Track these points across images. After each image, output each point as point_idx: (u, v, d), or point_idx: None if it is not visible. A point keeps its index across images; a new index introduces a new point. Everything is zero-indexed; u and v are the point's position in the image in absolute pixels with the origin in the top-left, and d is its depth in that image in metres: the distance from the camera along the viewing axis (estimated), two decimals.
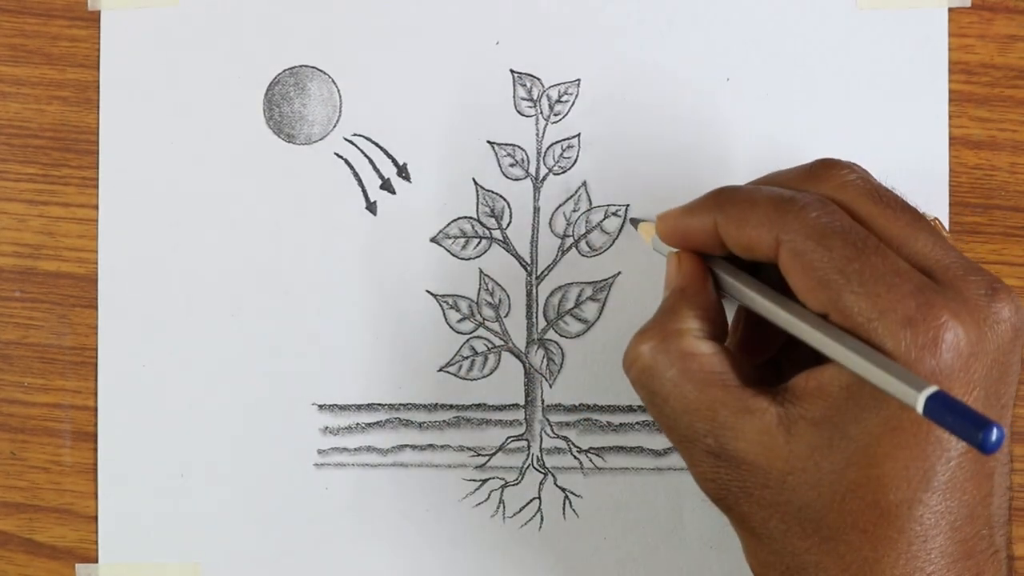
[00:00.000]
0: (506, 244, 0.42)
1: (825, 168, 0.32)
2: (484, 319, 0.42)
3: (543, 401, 0.42)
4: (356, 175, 0.42)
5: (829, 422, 0.29)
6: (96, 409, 0.43)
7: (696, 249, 0.34)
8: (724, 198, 0.32)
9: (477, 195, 0.42)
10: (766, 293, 0.31)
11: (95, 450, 0.43)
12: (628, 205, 0.42)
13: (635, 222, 0.41)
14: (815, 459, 0.29)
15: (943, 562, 0.29)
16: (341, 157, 0.43)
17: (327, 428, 0.42)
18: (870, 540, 0.29)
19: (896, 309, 0.28)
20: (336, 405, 0.42)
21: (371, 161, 0.42)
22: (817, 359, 0.30)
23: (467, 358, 0.42)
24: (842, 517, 0.29)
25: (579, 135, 0.42)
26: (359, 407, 0.42)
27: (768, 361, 0.35)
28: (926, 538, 0.29)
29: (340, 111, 0.43)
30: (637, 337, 0.32)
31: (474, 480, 0.42)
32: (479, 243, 0.42)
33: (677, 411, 0.31)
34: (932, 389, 0.26)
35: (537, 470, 0.42)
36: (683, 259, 0.34)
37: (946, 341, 0.28)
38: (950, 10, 0.41)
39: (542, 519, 0.42)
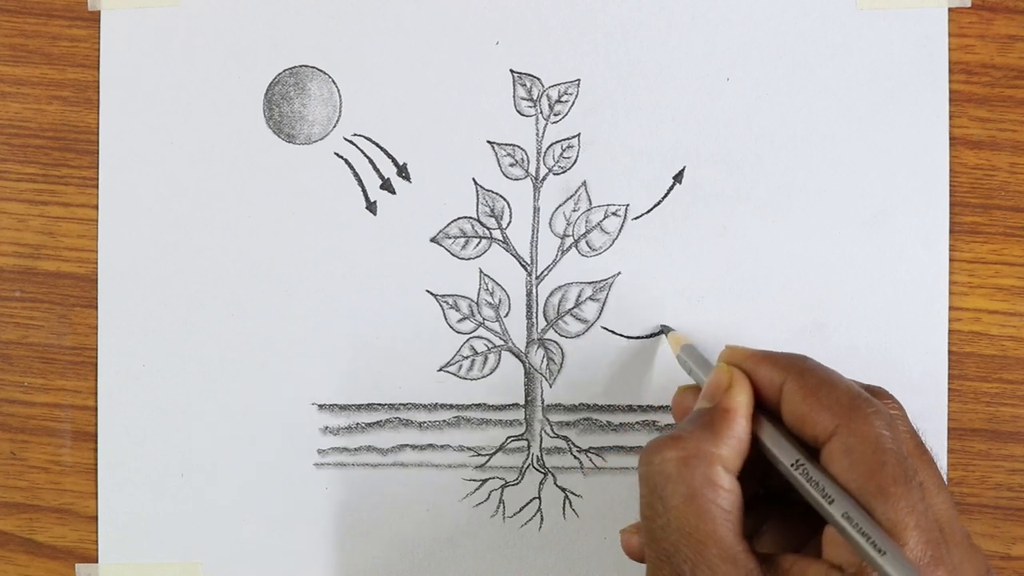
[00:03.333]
0: (506, 244, 0.42)
1: (879, 396, 0.33)
2: (484, 319, 0.42)
3: (543, 401, 0.42)
4: (356, 175, 0.42)
5: None
6: (96, 409, 0.43)
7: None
8: (806, 366, 0.33)
9: (477, 195, 0.42)
10: (813, 461, 0.31)
11: (95, 450, 0.43)
12: (628, 205, 0.42)
13: (666, 330, 0.41)
14: None
15: None
16: (341, 157, 0.43)
17: (327, 428, 0.42)
18: None
19: (911, 547, 0.29)
20: (336, 405, 0.42)
21: (371, 161, 0.42)
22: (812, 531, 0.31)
23: (467, 358, 0.42)
24: None
25: (579, 135, 0.42)
26: (359, 407, 0.42)
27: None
28: None
29: (340, 111, 0.43)
30: (670, 441, 0.32)
31: (474, 480, 0.42)
32: (479, 243, 0.42)
33: (672, 527, 0.31)
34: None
35: (537, 470, 0.42)
36: (742, 383, 0.33)
37: None
38: (950, 10, 0.41)
39: (542, 519, 0.42)
